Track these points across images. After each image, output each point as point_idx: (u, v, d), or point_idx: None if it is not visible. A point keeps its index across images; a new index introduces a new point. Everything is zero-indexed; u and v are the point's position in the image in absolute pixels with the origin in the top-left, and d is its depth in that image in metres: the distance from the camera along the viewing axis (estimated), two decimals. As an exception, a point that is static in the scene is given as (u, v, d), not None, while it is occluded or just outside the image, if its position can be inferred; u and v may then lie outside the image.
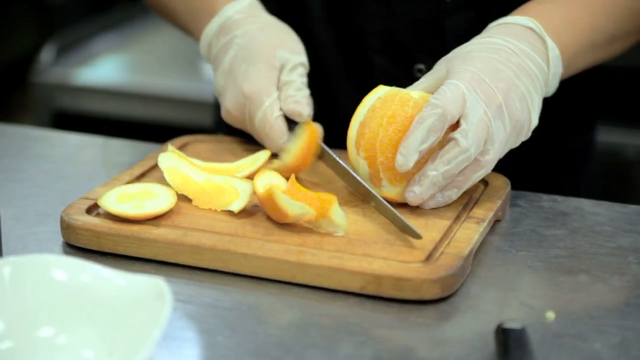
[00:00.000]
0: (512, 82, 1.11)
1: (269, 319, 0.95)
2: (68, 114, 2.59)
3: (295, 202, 1.03)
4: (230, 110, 1.23)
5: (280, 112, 1.20)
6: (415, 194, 1.08)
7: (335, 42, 1.36)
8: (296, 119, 1.19)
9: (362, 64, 1.36)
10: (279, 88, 1.21)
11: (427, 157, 1.09)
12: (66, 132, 1.46)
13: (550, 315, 0.95)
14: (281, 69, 1.22)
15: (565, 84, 1.21)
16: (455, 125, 1.08)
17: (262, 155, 1.17)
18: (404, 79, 1.30)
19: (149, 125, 2.53)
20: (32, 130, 1.50)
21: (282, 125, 1.19)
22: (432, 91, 1.11)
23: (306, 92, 1.22)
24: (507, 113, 1.10)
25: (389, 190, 1.11)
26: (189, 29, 1.33)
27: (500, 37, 1.14)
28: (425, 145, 1.06)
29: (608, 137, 2.06)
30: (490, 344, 0.89)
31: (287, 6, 1.34)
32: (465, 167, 1.09)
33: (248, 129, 1.23)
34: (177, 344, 0.90)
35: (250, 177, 1.13)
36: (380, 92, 1.12)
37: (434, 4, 1.30)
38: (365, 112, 1.12)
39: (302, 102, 1.20)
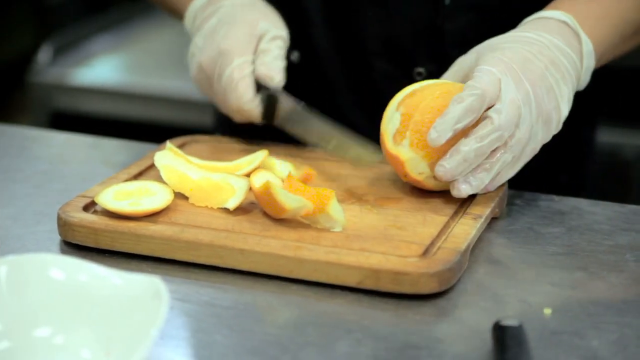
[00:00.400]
0: (541, 74, 1.12)
1: (266, 317, 0.95)
2: (66, 114, 2.58)
3: (293, 196, 1.03)
4: (203, 64, 1.24)
5: (250, 73, 1.21)
6: (445, 168, 1.08)
7: (335, 45, 1.36)
8: (267, 83, 1.21)
9: (361, 68, 1.36)
10: (256, 54, 1.23)
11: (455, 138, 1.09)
12: (64, 132, 1.46)
13: (548, 311, 0.95)
14: (261, 38, 1.24)
15: None
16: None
17: (260, 155, 1.17)
18: (404, 82, 1.30)
19: (146, 126, 2.53)
20: (30, 130, 1.50)
21: (248, 84, 1.21)
22: (460, 77, 1.14)
23: (282, 62, 1.24)
24: (535, 102, 1.11)
25: (404, 152, 1.11)
26: (177, 7, 1.35)
27: (534, 31, 1.16)
28: (461, 125, 1.07)
29: (607, 137, 2.06)
30: (487, 341, 0.89)
31: (286, 10, 1.34)
32: (495, 149, 1.09)
33: (214, 87, 1.25)
34: (175, 342, 0.90)
35: (248, 175, 1.13)
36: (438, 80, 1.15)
37: (433, 7, 1.30)
38: (419, 86, 1.14)
39: (274, 68, 1.21)
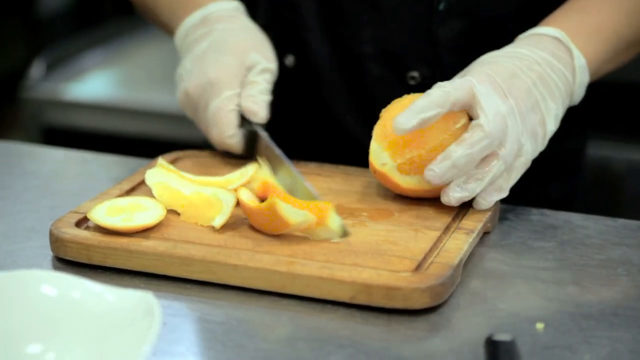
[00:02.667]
0: (527, 89, 1.13)
1: (259, 333, 0.95)
2: (57, 129, 2.58)
3: (298, 210, 1.03)
4: (190, 91, 1.25)
5: (236, 107, 1.22)
6: (435, 172, 1.09)
7: (330, 50, 1.37)
8: (251, 118, 1.22)
9: (355, 72, 1.36)
10: (243, 86, 1.23)
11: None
12: (55, 147, 1.46)
13: (540, 326, 0.95)
14: (250, 69, 1.24)
15: None
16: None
17: (250, 169, 1.17)
18: (398, 86, 1.32)
19: (138, 141, 2.53)
20: (22, 146, 1.50)
21: (233, 119, 1.22)
22: None
23: (268, 97, 1.24)
24: (519, 115, 1.12)
25: (371, 144, 1.14)
26: (169, 23, 1.35)
27: (527, 47, 1.17)
28: (425, 115, 1.08)
29: (598, 150, 2.06)
30: (480, 356, 0.89)
31: (281, 15, 1.35)
32: (485, 158, 1.10)
33: (199, 115, 1.25)
34: (167, 358, 0.90)
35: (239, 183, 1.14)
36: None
37: (427, 12, 1.31)
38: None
39: (260, 103, 1.22)
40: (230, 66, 1.23)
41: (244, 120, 1.22)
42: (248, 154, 1.24)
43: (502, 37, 1.25)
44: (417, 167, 1.13)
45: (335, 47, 1.36)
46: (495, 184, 1.12)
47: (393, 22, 1.32)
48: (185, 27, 1.30)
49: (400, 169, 1.13)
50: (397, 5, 1.31)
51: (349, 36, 1.35)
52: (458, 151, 1.08)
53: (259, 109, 1.22)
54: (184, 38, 1.30)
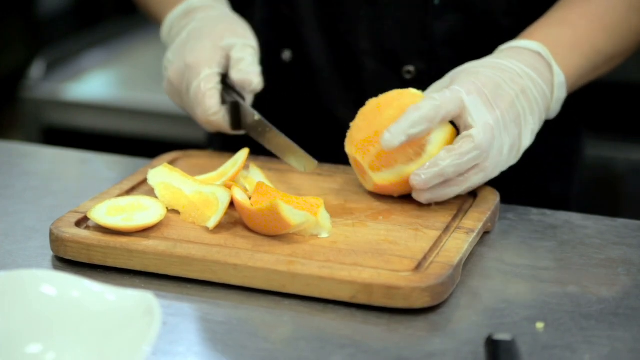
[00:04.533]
0: (511, 101, 1.14)
1: (260, 332, 0.95)
2: (57, 129, 2.58)
3: (299, 212, 1.04)
4: (171, 79, 1.27)
5: (216, 85, 1.23)
6: (421, 179, 1.09)
7: (326, 44, 1.37)
8: (247, 88, 1.23)
9: (352, 67, 1.37)
10: (230, 65, 1.24)
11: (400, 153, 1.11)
12: (55, 147, 1.46)
13: (540, 325, 0.95)
14: (229, 49, 1.25)
15: None
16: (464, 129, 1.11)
17: (241, 155, 1.18)
18: (394, 80, 1.32)
19: (138, 141, 2.53)
20: (21, 146, 1.50)
21: (215, 95, 1.23)
22: None
23: (258, 67, 1.25)
24: (504, 127, 1.12)
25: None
26: (159, 17, 1.37)
27: (508, 60, 1.17)
28: (414, 131, 1.09)
29: (597, 150, 2.06)
30: (480, 355, 0.89)
31: (278, 11, 1.36)
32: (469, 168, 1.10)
33: (184, 100, 1.27)
34: (168, 358, 0.90)
35: (233, 179, 1.15)
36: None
37: (423, 6, 1.31)
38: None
39: (252, 73, 1.23)
40: (205, 49, 1.24)
41: (225, 97, 1.24)
42: (235, 127, 1.25)
43: (496, 32, 1.26)
44: (385, 160, 1.13)
45: (331, 42, 1.37)
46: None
47: (389, 17, 1.33)
48: (169, 20, 1.33)
49: (372, 167, 1.13)
50: (393, 1, 1.32)
51: (346, 31, 1.35)
52: (447, 160, 1.09)
53: (253, 77, 1.23)
54: (169, 31, 1.33)
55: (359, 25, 1.34)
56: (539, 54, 1.18)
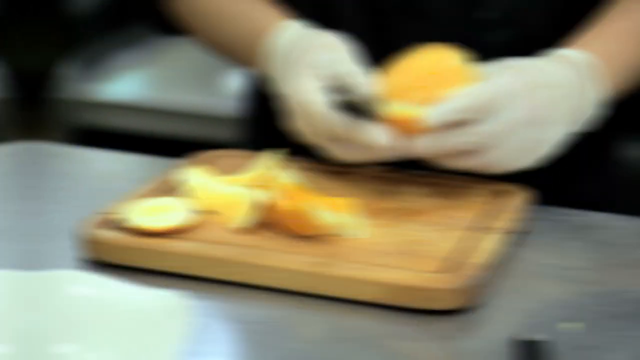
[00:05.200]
0: (547, 103, 1.13)
1: (293, 333, 0.95)
2: (88, 129, 2.60)
3: (330, 213, 1.04)
4: (302, 129, 1.20)
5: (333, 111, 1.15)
6: (434, 112, 1.10)
7: (372, 60, 1.35)
8: (374, 102, 1.16)
9: None
10: (337, 86, 1.17)
11: None
12: (86, 148, 1.46)
13: (575, 326, 0.94)
14: (326, 67, 1.19)
15: None
16: None
17: (276, 156, 1.17)
18: None
19: (170, 141, 2.54)
20: (52, 146, 1.50)
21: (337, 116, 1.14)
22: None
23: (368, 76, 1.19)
24: (529, 120, 1.11)
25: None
26: (244, 54, 1.31)
27: (552, 65, 1.16)
28: (459, 117, 1.09)
29: (635, 151, 2.05)
30: (512, 356, 0.89)
31: (321, 22, 1.32)
32: (470, 124, 1.10)
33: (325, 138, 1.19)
34: (199, 359, 0.90)
35: (267, 179, 1.13)
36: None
37: (473, 20, 1.29)
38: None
39: (370, 82, 1.17)
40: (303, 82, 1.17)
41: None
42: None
43: (545, 49, 1.25)
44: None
45: (376, 57, 1.35)
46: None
47: (437, 30, 1.31)
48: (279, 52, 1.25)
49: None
50: (442, 14, 1.30)
51: (393, 46, 1.33)
52: (461, 95, 1.10)
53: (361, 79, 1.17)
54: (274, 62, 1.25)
55: (407, 40, 1.33)
56: (582, 64, 1.17)
